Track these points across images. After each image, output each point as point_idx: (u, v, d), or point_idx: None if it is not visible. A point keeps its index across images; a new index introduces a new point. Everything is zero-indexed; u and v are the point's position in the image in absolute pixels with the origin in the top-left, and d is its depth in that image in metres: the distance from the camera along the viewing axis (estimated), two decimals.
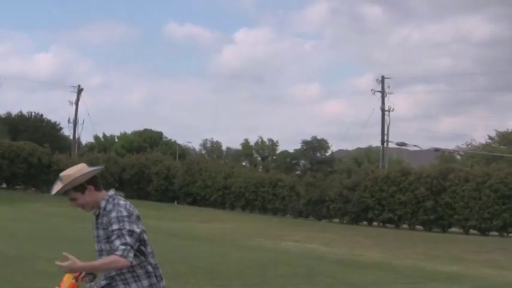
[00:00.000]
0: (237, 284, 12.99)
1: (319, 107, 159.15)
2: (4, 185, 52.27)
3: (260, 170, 70.23)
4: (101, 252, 4.71)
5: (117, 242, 4.53)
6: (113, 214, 4.64)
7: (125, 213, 4.66)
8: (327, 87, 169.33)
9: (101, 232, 4.72)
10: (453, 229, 37.00)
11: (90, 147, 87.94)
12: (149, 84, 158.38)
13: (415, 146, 56.89)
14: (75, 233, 21.05)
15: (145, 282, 4.73)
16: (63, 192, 4.70)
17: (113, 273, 4.70)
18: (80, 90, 68.73)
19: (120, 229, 4.59)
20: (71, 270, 4.52)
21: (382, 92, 57.24)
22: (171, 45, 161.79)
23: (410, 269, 18.14)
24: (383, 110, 56.33)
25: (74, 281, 4.60)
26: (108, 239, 4.61)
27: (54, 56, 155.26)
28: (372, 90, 57.68)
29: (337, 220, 41.00)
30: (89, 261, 4.58)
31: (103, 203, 4.76)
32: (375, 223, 39.63)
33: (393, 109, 56.15)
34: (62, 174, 4.67)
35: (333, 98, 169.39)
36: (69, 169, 4.82)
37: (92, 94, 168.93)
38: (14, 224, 24.71)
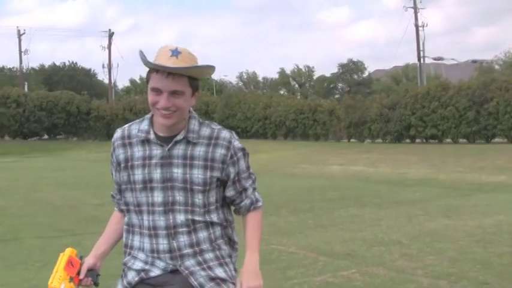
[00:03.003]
0: (286, 211, 13.14)
1: (350, 30, 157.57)
2: (46, 136, 52.99)
3: (298, 97, 70.01)
4: (168, 206, 2.90)
5: (251, 188, 3.12)
6: (236, 143, 3.01)
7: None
8: (356, 9, 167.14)
9: (180, 171, 2.90)
10: (497, 139, 36.68)
11: (127, 90, 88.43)
12: (179, 23, 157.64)
13: (452, 59, 56.24)
14: None
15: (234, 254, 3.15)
16: (167, 75, 2.81)
17: (204, 247, 2.96)
18: (111, 35, 68.79)
19: (249, 169, 3.10)
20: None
21: (415, 7, 56.45)
22: None
23: (456, 182, 18.17)
24: (417, 26, 55.61)
25: (71, 284, 3.05)
26: (205, 185, 2.91)
27: (81, 3, 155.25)
28: (403, 7, 57.09)
29: (379, 140, 40.90)
30: (250, 248, 3.04)
31: (194, 123, 2.98)
32: (417, 140, 39.41)
33: (427, 24, 55.42)
34: (180, 48, 2.85)
35: (363, 20, 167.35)
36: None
37: (123, 38, 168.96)
38: (59, 173, 25.20)
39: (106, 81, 72.08)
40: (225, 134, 2.99)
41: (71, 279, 3.04)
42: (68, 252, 3.10)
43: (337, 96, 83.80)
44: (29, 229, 11.45)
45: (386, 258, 8.43)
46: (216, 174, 2.94)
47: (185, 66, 2.81)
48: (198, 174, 2.90)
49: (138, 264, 2.96)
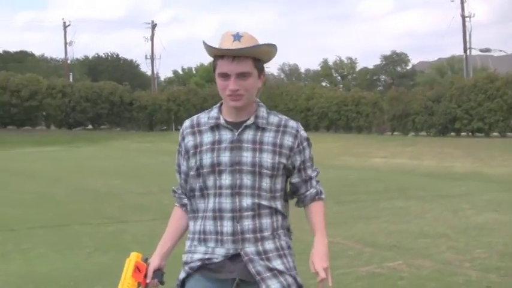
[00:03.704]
0: (331, 202, 13.04)
1: (393, 21, 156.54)
2: (90, 126, 53.58)
3: (341, 89, 69.71)
4: (235, 189, 2.92)
5: (315, 179, 3.16)
6: (303, 133, 3.08)
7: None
8: (399, 0, 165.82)
9: (249, 154, 2.94)
10: None
11: (169, 81, 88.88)
12: (219, 15, 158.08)
13: (500, 51, 55.35)
14: (160, 167, 21.56)
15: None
16: (232, 59, 2.88)
17: (266, 234, 2.95)
18: (154, 26, 69.33)
19: (313, 160, 3.15)
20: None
21: None
22: None
23: (503, 177, 17.93)
24: (463, 17, 54.86)
25: None
26: (273, 170, 2.93)
27: None
28: None
29: (423, 133, 40.55)
30: (320, 231, 3.03)
31: (263, 110, 3.05)
32: (463, 133, 38.96)
33: (474, 15, 54.64)
34: (241, 32, 2.94)
35: (406, 10, 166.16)
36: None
37: (164, 29, 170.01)
38: (103, 162, 25.54)
39: (149, 72, 72.65)
40: (293, 123, 3.07)
41: (139, 285, 3.05)
42: (134, 257, 3.08)
43: (379, 88, 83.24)
44: (76, 216, 11.63)
45: (433, 251, 8.38)
46: (283, 160, 2.98)
47: (245, 46, 2.87)
48: (267, 159, 2.94)
49: (201, 250, 2.99)
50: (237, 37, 2.90)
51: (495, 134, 37.44)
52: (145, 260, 3.11)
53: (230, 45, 2.88)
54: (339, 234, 9.49)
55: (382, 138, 38.62)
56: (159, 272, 3.10)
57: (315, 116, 46.39)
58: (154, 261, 3.10)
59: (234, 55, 2.87)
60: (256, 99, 3.05)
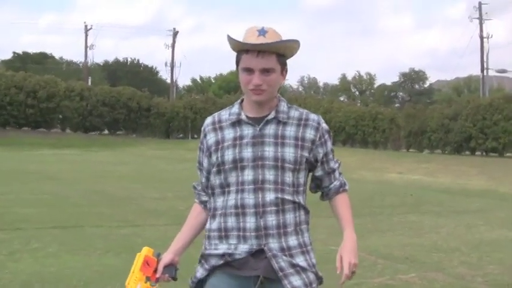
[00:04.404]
0: None
1: (412, 39, 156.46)
2: (106, 131, 53.68)
3: (358, 104, 69.67)
4: (258, 185, 2.91)
5: (338, 171, 3.19)
6: (324, 125, 3.08)
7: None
8: (419, 18, 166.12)
9: (271, 149, 2.93)
10: None
11: (188, 89, 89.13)
12: (242, 24, 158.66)
13: None
14: (177, 173, 21.63)
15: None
16: (256, 54, 2.89)
17: (289, 229, 2.95)
18: (175, 33, 69.58)
19: (334, 152, 3.17)
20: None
21: (480, 18, 55.71)
22: None
23: None
24: (481, 37, 54.84)
25: (147, 284, 3.02)
26: (295, 163, 2.94)
27: (146, 2, 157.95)
28: (469, 17, 56.45)
29: (439, 151, 40.44)
30: (348, 226, 3.07)
31: (284, 105, 3.04)
32: (477, 152, 38.80)
33: (492, 36, 54.60)
34: (266, 27, 2.94)
35: (426, 29, 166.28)
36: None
37: (186, 38, 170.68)
38: (119, 167, 25.54)
39: (168, 79, 72.87)
40: (314, 116, 3.06)
41: (148, 279, 3.03)
42: (144, 251, 3.08)
43: (397, 105, 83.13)
44: (90, 218, 11.67)
45: (446, 265, 8.36)
46: (306, 154, 2.98)
47: (270, 42, 2.87)
48: (289, 152, 2.94)
49: (222, 247, 2.96)
50: (262, 32, 2.90)
51: (508, 154, 37.27)
52: (158, 255, 3.11)
53: (255, 39, 2.88)
54: None
55: (397, 154, 38.52)
56: (171, 268, 3.08)
57: (332, 129, 45.04)
58: (166, 257, 3.10)
59: (259, 50, 2.88)
60: (278, 94, 3.05)
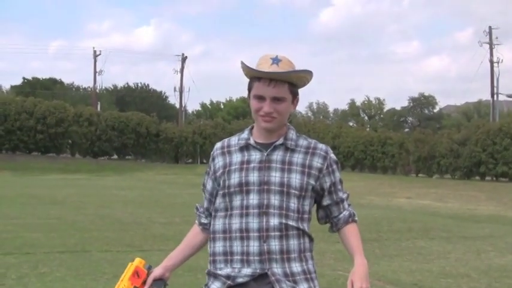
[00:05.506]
0: None
1: (421, 64, 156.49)
2: (115, 156, 53.81)
3: (368, 129, 69.63)
4: (262, 209, 2.92)
5: (347, 201, 3.19)
6: (332, 156, 3.09)
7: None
8: (427, 43, 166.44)
9: (278, 174, 2.95)
10: None
11: (197, 114, 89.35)
12: (250, 51, 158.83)
13: None
14: (185, 198, 21.62)
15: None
16: (269, 82, 2.92)
17: (293, 256, 2.96)
18: (184, 59, 69.87)
19: (343, 183, 3.18)
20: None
21: (490, 43, 55.78)
22: (268, 11, 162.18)
23: None
24: (491, 62, 54.89)
25: None
26: (301, 190, 2.95)
27: (155, 29, 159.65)
28: (478, 41, 56.41)
29: (448, 176, 40.33)
30: (359, 253, 3.04)
31: (292, 133, 3.08)
32: (487, 177, 38.68)
33: (502, 60, 54.63)
34: (280, 55, 2.95)
35: (435, 54, 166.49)
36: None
37: (194, 64, 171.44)
38: (127, 192, 25.59)
39: (177, 104, 73.09)
40: (322, 145, 3.10)
41: None
42: (136, 262, 3.12)
43: (406, 130, 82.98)
44: (98, 243, 11.66)
45: None
46: (312, 181, 2.99)
47: (283, 71, 2.90)
48: (295, 179, 2.95)
49: (226, 271, 2.95)
50: (276, 61, 2.93)
51: None
52: (149, 268, 3.13)
53: (268, 68, 2.91)
54: None
55: (406, 179, 38.45)
56: (160, 282, 3.11)
57: (340, 154, 46.30)
58: (157, 271, 3.12)
59: (271, 78, 2.91)
60: (287, 122, 3.08)
